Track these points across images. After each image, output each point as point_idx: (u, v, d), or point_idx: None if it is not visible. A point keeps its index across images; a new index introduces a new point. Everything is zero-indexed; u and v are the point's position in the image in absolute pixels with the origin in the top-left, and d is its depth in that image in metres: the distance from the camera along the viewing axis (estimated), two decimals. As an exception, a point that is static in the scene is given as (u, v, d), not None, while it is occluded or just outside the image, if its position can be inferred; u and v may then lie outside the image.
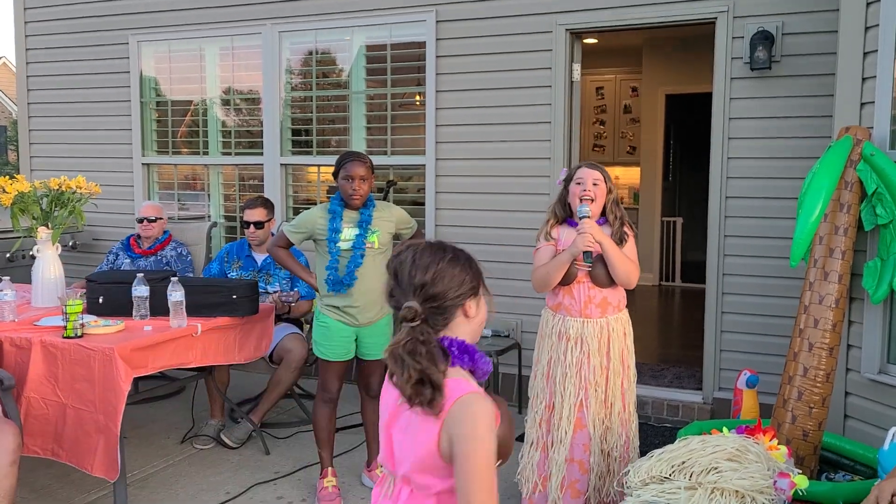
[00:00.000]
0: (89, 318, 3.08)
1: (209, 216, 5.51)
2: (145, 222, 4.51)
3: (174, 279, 3.12)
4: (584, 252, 2.69)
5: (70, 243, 5.67)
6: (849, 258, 2.93)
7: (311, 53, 5.05)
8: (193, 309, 3.23)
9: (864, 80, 3.11)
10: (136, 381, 4.34)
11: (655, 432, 3.99)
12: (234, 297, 3.31)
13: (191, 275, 4.53)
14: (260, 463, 3.57)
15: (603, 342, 2.77)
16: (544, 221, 2.93)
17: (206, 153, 5.51)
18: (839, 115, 3.20)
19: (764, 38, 3.76)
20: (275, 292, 4.00)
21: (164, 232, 4.66)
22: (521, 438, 2.99)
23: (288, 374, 3.81)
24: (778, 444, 2.45)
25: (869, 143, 2.94)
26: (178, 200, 5.72)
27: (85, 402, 2.76)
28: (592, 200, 2.75)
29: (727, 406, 3.74)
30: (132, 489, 3.25)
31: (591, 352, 2.76)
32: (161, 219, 4.60)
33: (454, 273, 1.44)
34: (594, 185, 2.77)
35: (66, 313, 2.85)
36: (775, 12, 3.82)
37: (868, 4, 3.07)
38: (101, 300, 3.27)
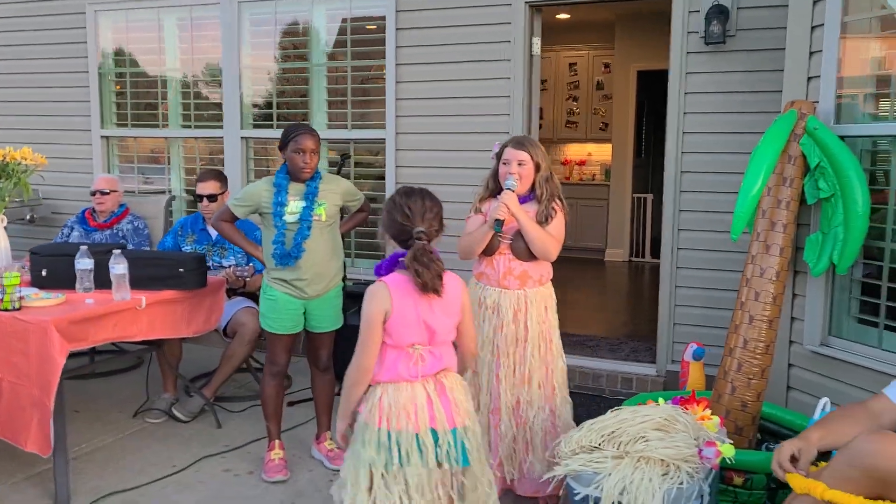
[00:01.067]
0: (30, 291, 3.05)
1: (169, 190, 5.44)
2: (98, 195, 4.45)
3: (116, 252, 3.09)
4: (496, 220, 2.70)
5: (28, 216, 5.59)
6: (790, 231, 2.95)
7: (271, 25, 4.98)
8: (140, 282, 3.20)
9: (811, 54, 3.11)
10: (92, 354, 4.39)
11: (608, 404, 3.98)
12: (181, 270, 3.28)
13: (146, 248, 4.49)
14: (211, 436, 3.56)
15: (520, 313, 2.79)
16: (476, 193, 2.93)
17: (165, 126, 5.43)
18: (787, 89, 3.20)
19: (719, 13, 3.75)
20: (230, 266, 3.97)
21: (121, 205, 4.60)
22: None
23: (241, 348, 3.80)
24: (711, 413, 2.48)
25: (813, 118, 2.94)
26: (140, 174, 5.65)
27: (20, 376, 2.73)
28: (518, 179, 2.76)
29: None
30: (79, 463, 3.24)
31: (506, 322, 2.78)
32: (116, 191, 4.54)
33: (441, 211, 2.16)
34: (520, 165, 2.78)
35: (2, 286, 2.81)
36: (731, -14, 3.80)
37: (816, -23, 3.06)
38: (44, 273, 3.23)
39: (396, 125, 4.63)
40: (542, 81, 9.31)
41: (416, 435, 2.01)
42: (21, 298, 2.90)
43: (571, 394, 3.02)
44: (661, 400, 2.57)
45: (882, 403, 1.97)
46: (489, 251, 2.83)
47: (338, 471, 3.13)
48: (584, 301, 6.35)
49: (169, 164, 5.49)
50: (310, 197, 3.03)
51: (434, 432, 2.02)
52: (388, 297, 2.05)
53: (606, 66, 9.08)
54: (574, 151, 9.61)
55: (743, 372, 2.90)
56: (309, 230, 3.01)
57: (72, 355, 4.23)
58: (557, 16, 8.28)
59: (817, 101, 3.05)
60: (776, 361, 3.30)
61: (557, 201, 2.88)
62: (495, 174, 2.91)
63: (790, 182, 2.95)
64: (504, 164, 2.83)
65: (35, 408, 2.72)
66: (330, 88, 4.91)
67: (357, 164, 4.97)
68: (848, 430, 1.80)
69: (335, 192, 3.14)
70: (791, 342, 3.28)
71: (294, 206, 3.02)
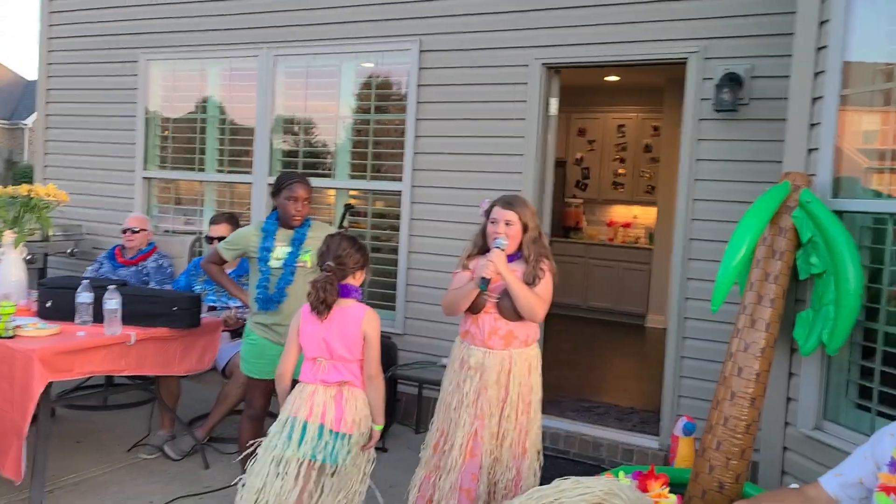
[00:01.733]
0: (29, 321, 3.19)
1: (201, 231, 5.64)
2: (129, 233, 4.64)
3: (111, 287, 3.21)
4: (482, 278, 2.67)
5: (70, 250, 5.88)
6: (779, 306, 2.83)
7: (302, 78, 5.18)
8: (135, 318, 3.32)
9: (811, 126, 3.03)
10: (109, 386, 4.53)
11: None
12: (175, 308, 3.38)
13: (167, 286, 4.64)
14: (195, 476, 3.60)
15: (503, 374, 2.74)
16: (464, 250, 2.93)
17: (201, 170, 5.66)
18: (788, 160, 3.12)
19: (731, 80, 3.71)
20: (236, 307, 4.06)
21: (150, 244, 4.78)
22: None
23: (235, 390, 3.85)
24: (669, 491, 2.36)
25: (807, 190, 2.85)
26: (176, 214, 5.89)
27: (5, 401, 2.85)
28: (507, 239, 2.74)
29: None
30: (62, 492, 3.32)
31: (489, 383, 2.73)
32: (145, 230, 4.73)
33: (355, 254, 2.67)
34: (507, 224, 2.76)
35: (-2, 314, 2.95)
36: (746, 55, 3.76)
37: (818, 50, 3.00)
38: (48, 304, 3.38)
39: (413, 178, 4.70)
40: (590, 142, 9.38)
41: (306, 422, 2.53)
42: (18, 327, 3.03)
43: (570, 461, 2.95)
44: (621, 474, 2.47)
45: (816, 492, 1.85)
46: (475, 309, 2.80)
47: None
48: (607, 367, 6.19)
49: (202, 206, 5.70)
50: (296, 243, 3.10)
51: (321, 428, 2.52)
52: (300, 317, 2.66)
53: (655, 128, 9.02)
54: (619, 213, 9.51)
55: (722, 451, 2.76)
56: (292, 275, 3.06)
57: (86, 387, 4.47)
58: (606, 78, 8.32)
59: (815, 174, 2.96)
60: (771, 444, 3.16)
61: (545, 261, 2.84)
62: (483, 231, 2.89)
63: (780, 255, 2.85)
64: (492, 222, 2.81)
65: (15, 434, 2.82)
66: (354, 140, 5.04)
67: (375, 215, 5.05)
68: None
69: (322, 239, 3.19)
70: (786, 423, 3.12)
71: (280, 251, 3.09)
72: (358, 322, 2.61)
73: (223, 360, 4.03)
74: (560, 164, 9.46)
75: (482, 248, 2.86)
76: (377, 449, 4.02)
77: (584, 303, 8.78)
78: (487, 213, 2.87)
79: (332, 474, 2.58)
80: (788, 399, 3.11)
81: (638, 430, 4.30)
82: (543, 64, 4.31)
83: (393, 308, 4.80)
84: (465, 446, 2.72)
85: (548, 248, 2.86)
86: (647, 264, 8.58)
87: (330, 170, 5.12)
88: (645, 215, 9.25)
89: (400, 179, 4.76)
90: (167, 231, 5.88)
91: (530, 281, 2.75)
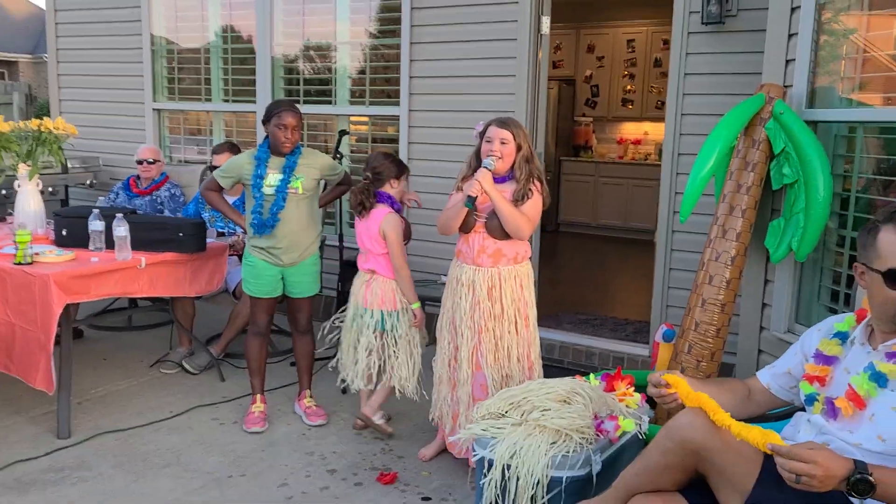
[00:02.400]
0: (46, 248, 3.41)
1: (209, 161, 5.79)
2: (144, 164, 4.81)
3: (119, 215, 3.40)
4: (468, 196, 2.79)
5: (89, 181, 6.10)
6: (750, 216, 2.94)
7: (300, 4, 5.20)
8: (144, 244, 3.52)
9: (790, 36, 3.06)
10: (132, 307, 4.81)
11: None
12: (181, 234, 3.57)
13: (180, 214, 4.85)
14: (212, 388, 3.88)
15: (494, 290, 2.88)
16: (460, 171, 3.04)
17: (208, 100, 5.78)
18: (767, 71, 3.16)
19: (718, -8, 3.69)
20: (242, 233, 4.25)
21: (162, 174, 4.96)
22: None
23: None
24: (634, 390, 2.55)
25: (780, 101, 2.91)
26: (187, 144, 6.05)
27: (29, 322, 3.09)
28: (499, 158, 2.84)
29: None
30: (90, 404, 3.62)
31: (481, 298, 2.88)
32: (158, 161, 4.90)
33: (390, 166, 3.26)
34: (502, 143, 2.85)
35: (15, 242, 3.17)
36: (734, -35, 3.73)
37: (797, -42, 3.00)
38: (64, 233, 3.59)
39: (410, 102, 4.78)
40: (599, 59, 9.26)
41: (357, 302, 3.32)
42: (36, 255, 3.26)
43: (562, 369, 3.13)
44: (591, 376, 2.66)
45: (754, 382, 2.02)
46: (465, 228, 2.92)
47: (315, 426, 3.42)
48: (610, 282, 6.35)
49: (210, 135, 5.85)
50: (287, 170, 3.24)
51: (366, 309, 3.27)
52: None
53: (665, 42, 8.86)
54: (629, 130, 9.47)
55: (693, 354, 2.94)
56: (284, 202, 3.22)
57: (111, 310, 4.74)
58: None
59: (791, 85, 3.01)
60: (747, 348, 3.32)
61: (537, 182, 2.94)
62: (478, 152, 2.97)
63: (752, 167, 2.94)
64: (487, 141, 2.89)
65: (41, 351, 3.07)
66: (352, 66, 5.11)
67: (375, 140, 5.16)
68: (723, 397, 1.85)
69: (313, 166, 3.34)
70: (761, 328, 3.27)
71: (272, 178, 3.24)
72: (378, 222, 3.17)
73: (233, 282, 4.26)
74: (569, 83, 9.40)
75: (476, 168, 2.96)
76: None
77: (593, 221, 8.89)
78: (482, 134, 2.96)
79: (392, 344, 3.24)
80: (764, 305, 3.25)
81: (630, 340, 4.50)
82: (534, -18, 4.30)
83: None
84: (471, 359, 2.91)
85: (541, 170, 2.96)
86: (656, 181, 8.55)
87: (330, 96, 5.20)
88: (656, 132, 9.20)
89: (398, 104, 4.85)
90: (180, 161, 6.05)
91: (519, 199, 2.86)
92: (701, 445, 1.68)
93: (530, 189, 2.90)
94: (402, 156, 4.85)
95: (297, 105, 3.35)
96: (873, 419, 1.67)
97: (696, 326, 2.94)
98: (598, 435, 2.26)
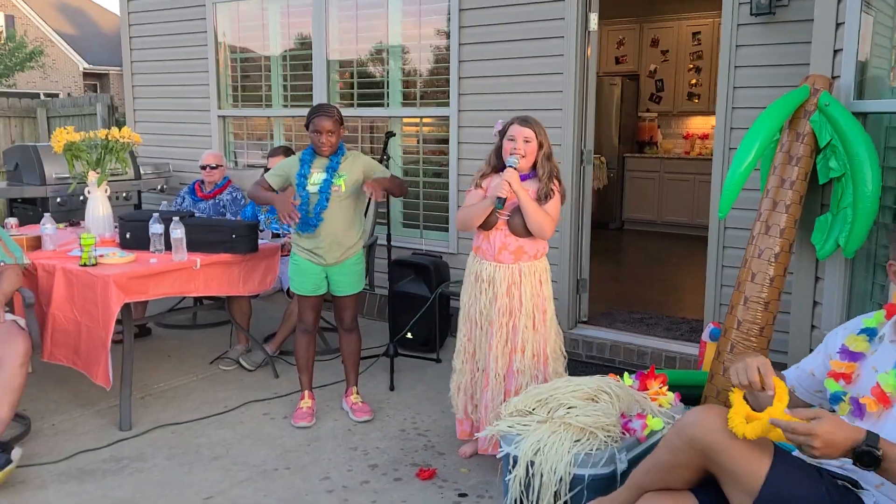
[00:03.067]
0: (109, 251, 3.62)
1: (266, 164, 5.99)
2: (208, 169, 5.02)
3: (175, 219, 3.58)
4: (498, 198, 2.82)
5: (160, 186, 6.41)
6: (794, 212, 2.85)
7: (353, 10, 5.32)
8: (200, 245, 3.69)
9: (837, 25, 2.94)
10: (197, 306, 5.04)
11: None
12: (234, 236, 3.72)
13: (240, 216, 5.04)
14: (267, 385, 4.02)
15: (513, 287, 2.91)
16: (478, 169, 3.08)
17: (268, 106, 5.98)
18: (814, 62, 3.05)
19: (768, -19, 3.58)
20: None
21: (225, 178, 5.17)
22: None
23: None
24: (667, 389, 2.52)
25: (826, 93, 2.81)
26: (251, 149, 6.27)
27: (93, 320, 3.29)
28: (523, 156, 2.86)
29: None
30: (151, 398, 3.81)
31: (500, 294, 2.91)
32: (221, 166, 5.11)
33: None
34: (525, 142, 2.88)
35: (81, 245, 3.38)
36: (785, -47, 3.61)
37: (844, -57, 2.89)
38: (128, 235, 3.80)
39: (459, 103, 4.83)
40: (664, 52, 9.08)
41: None
42: (100, 256, 3.46)
43: (614, 368, 3.11)
44: (625, 374, 2.64)
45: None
46: (486, 226, 2.97)
47: (360, 422, 3.50)
48: (669, 280, 6.23)
49: (272, 140, 6.05)
50: (330, 170, 3.34)
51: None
52: None
53: (732, 34, 8.60)
54: (696, 125, 9.25)
55: (736, 353, 2.87)
56: (327, 201, 3.32)
57: (176, 309, 4.97)
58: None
59: (839, 76, 2.90)
60: (798, 347, 3.22)
61: (556, 181, 2.97)
62: (498, 151, 3.02)
63: (797, 161, 2.85)
64: (510, 139, 2.93)
65: (102, 348, 3.27)
66: (403, 69, 5.19)
67: (426, 141, 5.23)
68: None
69: (356, 166, 3.41)
70: (813, 327, 3.16)
71: (316, 177, 3.34)
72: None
73: (287, 281, 4.39)
74: (633, 78, 9.25)
75: (496, 167, 3.00)
76: (431, 359, 4.36)
77: (658, 218, 8.72)
78: (502, 133, 2.99)
79: None
80: (815, 303, 3.14)
81: (684, 339, 4.41)
82: (580, -22, 4.27)
83: (446, 229, 5.03)
84: (498, 352, 2.94)
85: (557, 169, 2.97)
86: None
87: (382, 99, 5.30)
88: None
89: (447, 105, 4.90)
90: (245, 165, 6.28)
91: (542, 198, 2.89)
92: (707, 445, 1.66)
93: (552, 188, 2.93)
94: (452, 155, 4.91)
95: (335, 108, 3.41)
96: (899, 418, 1.61)
97: (738, 325, 2.87)
98: (624, 433, 2.25)
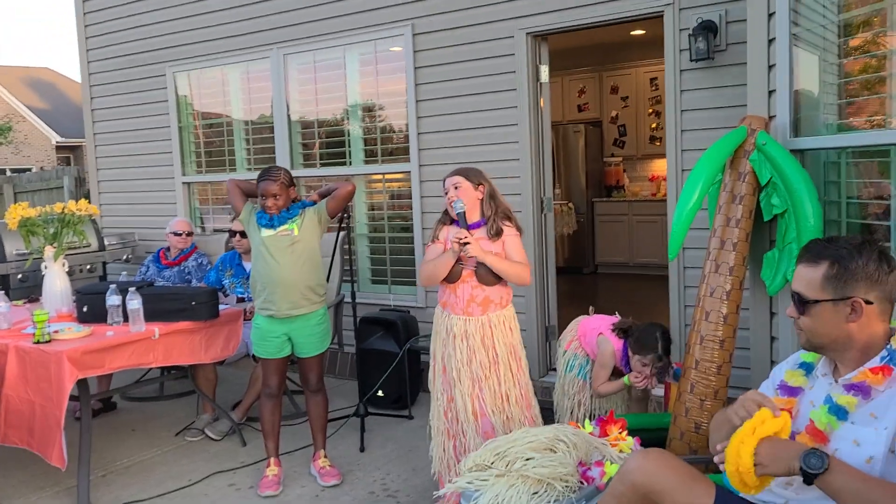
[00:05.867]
0: (64, 325, 3.57)
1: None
2: (183, 235, 5.01)
3: (132, 289, 3.54)
4: (456, 251, 2.86)
5: (125, 257, 6.37)
6: (742, 249, 2.88)
7: (311, 73, 5.41)
8: (159, 315, 3.65)
9: (769, 67, 3.04)
10: (164, 376, 4.95)
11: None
12: (194, 303, 3.69)
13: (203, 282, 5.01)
14: (233, 454, 3.94)
15: (486, 338, 2.91)
16: (435, 224, 3.10)
17: (232, 170, 6.01)
18: (751, 103, 3.13)
19: (705, 28, 3.71)
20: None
21: (191, 244, 5.15)
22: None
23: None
24: (627, 434, 2.50)
25: (763, 133, 2.88)
26: (216, 213, 6.28)
27: (46, 399, 3.22)
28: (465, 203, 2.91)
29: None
30: (114, 475, 3.72)
31: (476, 347, 2.91)
32: (192, 233, 5.11)
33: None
34: (455, 188, 2.93)
35: (34, 322, 3.33)
36: (718, 1, 3.75)
37: (769, -10, 3.00)
38: (85, 309, 3.75)
39: (419, 158, 4.88)
40: (624, 99, 9.29)
41: None
42: (55, 332, 3.41)
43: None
44: (587, 421, 2.62)
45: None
46: (451, 279, 2.96)
47: (328, 487, 3.43)
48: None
49: (236, 204, 6.05)
50: (284, 219, 3.34)
51: None
52: None
53: (688, 77, 8.84)
54: (660, 167, 9.39)
55: (696, 393, 2.87)
56: (279, 243, 3.31)
57: (142, 381, 4.89)
58: (632, 32, 8.22)
59: (775, 116, 2.98)
60: (759, 382, 3.21)
61: (508, 221, 2.99)
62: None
63: (740, 199, 2.90)
64: (445, 193, 2.99)
65: (57, 427, 3.19)
66: (363, 127, 5.26)
67: (390, 196, 5.27)
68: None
69: (309, 213, 3.40)
70: (772, 362, 3.16)
71: (268, 220, 3.35)
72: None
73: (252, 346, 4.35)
74: (596, 125, 9.43)
75: (449, 219, 3.03)
76: (403, 416, 4.31)
77: (630, 260, 8.79)
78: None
79: None
80: (773, 338, 3.16)
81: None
82: (528, 33, 4.39)
83: (414, 284, 5.02)
84: (473, 407, 2.92)
85: (507, 207, 3.00)
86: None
87: (345, 157, 5.35)
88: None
89: (408, 160, 4.96)
90: (214, 230, 6.27)
91: (493, 234, 2.92)
92: (651, 489, 1.64)
93: (505, 224, 2.95)
94: (416, 210, 4.94)
95: (283, 171, 3.40)
96: (837, 454, 1.61)
97: (696, 364, 2.87)
98: (583, 482, 2.22)
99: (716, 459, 1.63)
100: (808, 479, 1.48)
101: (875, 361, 1.66)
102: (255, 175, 5.71)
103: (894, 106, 2.67)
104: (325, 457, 3.59)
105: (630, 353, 3.25)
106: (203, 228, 6.31)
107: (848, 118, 2.88)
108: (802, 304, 1.74)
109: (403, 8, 4.83)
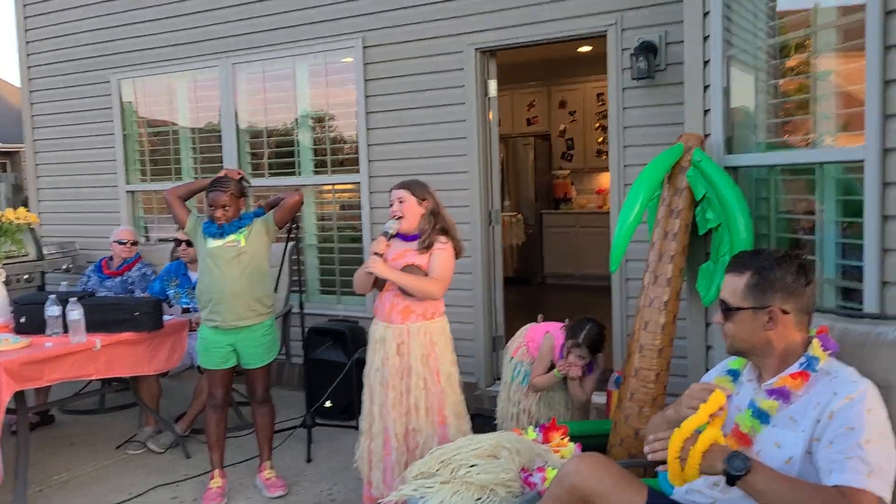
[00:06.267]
0: (3, 337, 3.48)
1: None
2: (128, 244, 4.91)
3: (72, 299, 3.48)
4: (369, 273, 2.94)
5: (65, 266, 6.21)
6: (679, 262, 3.00)
7: (260, 83, 5.40)
8: (101, 325, 3.59)
9: (705, 87, 3.17)
10: (105, 388, 4.84)
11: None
12: (137, 313, 3.64)
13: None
14: (176, 467, 3.88)
15: (403, 346, 2.95)
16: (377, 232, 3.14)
17: (178, 179, 5.93)
18: (688, 121, 3.27)
19: (645, 49, 3.85)
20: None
21: (136, 254, 5.06)
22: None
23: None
24: (568, 440, 2.57)
25: (698, 150, 3.00)
26: (162, 223, 6.18)
27: (-18, 411, 3.13)
28: (399, 217, 2.95)
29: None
30: (52, 490, 3.62)
31: (391, 354, 2.95)
32: (137, 242, 5.02)
33: None
34: (399, 202, 2.97)
35: (-32, 332, 3.24)
36: (659, 22, 3.90)
37: (705, 15, 3.14)
38: (22, 320, 3.67)
39: (369, 169, 4.91)
40: (572, 113, 9.48)
41: None
42: (-9, 343, 3.32)
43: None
44: (530, 429, 2.68)
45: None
46: (380, 286, 3.03)
47: (274, 498, 3.41)
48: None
49: (183, 213, 5.97)
50: (231, 230, 3.32)
51: None
52: None
53: (632, 94, 9.07)
54: (607, 180, 9.55)
55: (635, 401, 2.96)
56: (226, 254, 3.29)
57: (82, 393, 4.77)
58: (579, 49, 8.40)
59: (710, 134, 3.11)
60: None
61: (444, 235, 3.02)
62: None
63: (678, 213, 3.01)
64: (390, 205, 3.03)
65: (-6, 440, 3.11)
66: (313, 137, 5.27)
67: (340, 207, 5.29)
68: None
69: (257, 224, 3.40)
70: (707, 370, 3.28)
71: (216, 230, 3.33)
72: None
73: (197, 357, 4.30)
74: (545, 138, 9.60)
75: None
76: (351, 427, 4.31)
77: (577, 271, 8.94)
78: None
79: None
80: (708, 347, 3.28)
81: (599, 389, 4.48)
82: (476, 49, 4.48)
83: (363, 293, 5.02)
84: (381, 414, 2.95)
85: (450, 223, 3.04)
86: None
87: (294, 168, 5.35)
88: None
89: (358, 171, 4.98)
90: (159, 240, 6.17)
91: (424, 248, 2.95)
92: (586, 491, 1.71)
93: (435, 238, 2.97)
94: (365, 221, 4.96)
95: (233, 181, 3.40)
96: (759, 456, 1.70)
97: (635, 372, 2.97)
98: (525, 487, 2.27)
99: (646, 449, 1.69)
100: (731, 480, 1.56)
101: (794, 368, 1.76)
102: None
103: (820, 126, 2.82)
104: (272, 468, 3.57)
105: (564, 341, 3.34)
106: (147, 238, 6.20)
107: (778, 137, 3.03)
108: (726, 311, 1.84)
109: (354, 20, 4.86)
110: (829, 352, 1.78)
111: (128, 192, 6.15)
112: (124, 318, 3.62)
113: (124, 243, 4.87)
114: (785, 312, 1.77)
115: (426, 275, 2.95)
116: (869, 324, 1.93)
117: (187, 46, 5.60)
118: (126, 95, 6.05)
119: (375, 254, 2.92)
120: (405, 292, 2.95)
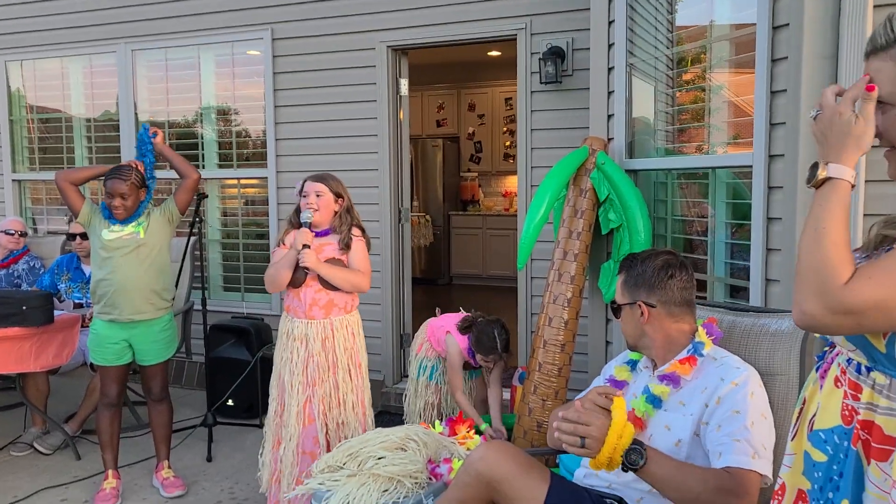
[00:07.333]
0: None
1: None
2: (16, 235, 4.61)
3: (-48, 291, 3.26)
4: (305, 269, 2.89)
5: (-55, 259, 5.77)
6: (582, 260, 3.11)
7: (162, 71, 5.21)
8: (-16, 320, 3.37)
9: (609, 93, 3.31)
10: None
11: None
12: (25, 308, 3.44)
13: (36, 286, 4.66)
14: (65, 468, 3.69)
15: (327, 341, 2.92)
16: (282, 230, 3.09)
17: (71, 168, 5.63)
18: (593, 125, 3.40)
19: (553, 54, 3.96)
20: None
21: (23, 246, 4.77)
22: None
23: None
24: (474, 433, 2.62)
25: (602, 153, 3.13)
26: (52, 215, 5.85)
27: None
28: (315, 210, 2.92)
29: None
30: (-75, 495, 3.37)
31: (315, 351, 2.91)
32: (25, 233, 4.73)
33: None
34: (317, 195, 2.94)
35: None
36: (567, 29, 4.03)
37: (610, 23, 3.28)
38: None
39: (277, 164, 4.83)
40: (480, 116, 9.63)
41: None
42: None
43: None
44: (437, 422, 2.71)
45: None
46: (295, 283, 2.96)
47: (171, 498, 3.30)
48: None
49: (76, 205, 5.68)
50: (129, 220, 3.19)
51: None
52: None
53: (539, 100, 9.31)
54: (514, 184, 9.80)
55: (538, 394, 3.05)
56: (124, 244, 3.17)
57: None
58: (489, 53, 8.53)
59: (613, 138, 3.24)
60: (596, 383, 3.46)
61: (357, 229, 3.02)
62: (297, 209, 3.03)
63: (582, 214, 3.13)
64: (304, 196, 2.98)
65: None
66: (219, 130, 5.13)
67: (245, 202, 5.17)
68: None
69: (158, 214, 3.29)
70: (606, 363, 3.42)
71: (112, 226, 3.19)
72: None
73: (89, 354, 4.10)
74: (453, 140, 9.71)
75: (296, 224, 3.01)
76: (254, 425, 4.22)
77: (483, 272, 9.09)
78: (300, 191, 3.02)
79: None
80: (607, 342, 3.42)
81: (505, 385, 4.57)
82: (389, 46, 4.48)
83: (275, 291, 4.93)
84: (302, 413, 2.90)
85: (358, 218, 3.04)
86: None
87: (198, 160, 5.18)
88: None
89: (265, 166, 4.89)
90: (48, 232, 5.84)
91: (345, 246, 2.94)
92: (492, 477, 1.76)
93: (352, 237, 2.98)
94: (272, 216, 4.87)
95: (134, 170, 3.28)
96: (651, 440, 1.80)
97: (539, 367, 3.06)
98: (431, 478, 2.30)
99: (555, 425, 1.73)
100: (627, 469, 1.64)
101: (682, 354, 1.88)
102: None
103: (713, 135, 3.00)
104: (169, 467, 3.45)
105: (474, 351, 3.39)
106: (36, 230, 5.86)
107: (676, 143, 3.20)
108: (614, 309, 1.96)
109: (263, 11, 4.77)
110: (713, 337, 1.91)
111: (14, 181, 5.79)
112: (11, 313, 3.41)
113: (12, 234, 4.59)
114: (651, 306, 1.89)
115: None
116: (753, 316, 2.07)
117: (83, 29, 5.33)
118: (14, 79, 5.70)
119: (305, 245, 2.86)
120: (329, 286, 2.91)
